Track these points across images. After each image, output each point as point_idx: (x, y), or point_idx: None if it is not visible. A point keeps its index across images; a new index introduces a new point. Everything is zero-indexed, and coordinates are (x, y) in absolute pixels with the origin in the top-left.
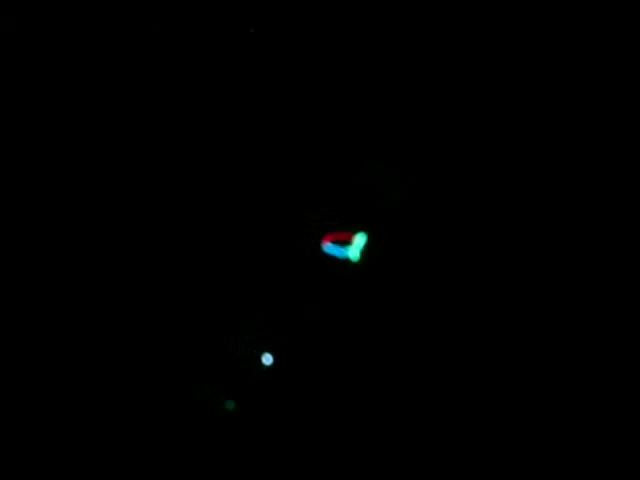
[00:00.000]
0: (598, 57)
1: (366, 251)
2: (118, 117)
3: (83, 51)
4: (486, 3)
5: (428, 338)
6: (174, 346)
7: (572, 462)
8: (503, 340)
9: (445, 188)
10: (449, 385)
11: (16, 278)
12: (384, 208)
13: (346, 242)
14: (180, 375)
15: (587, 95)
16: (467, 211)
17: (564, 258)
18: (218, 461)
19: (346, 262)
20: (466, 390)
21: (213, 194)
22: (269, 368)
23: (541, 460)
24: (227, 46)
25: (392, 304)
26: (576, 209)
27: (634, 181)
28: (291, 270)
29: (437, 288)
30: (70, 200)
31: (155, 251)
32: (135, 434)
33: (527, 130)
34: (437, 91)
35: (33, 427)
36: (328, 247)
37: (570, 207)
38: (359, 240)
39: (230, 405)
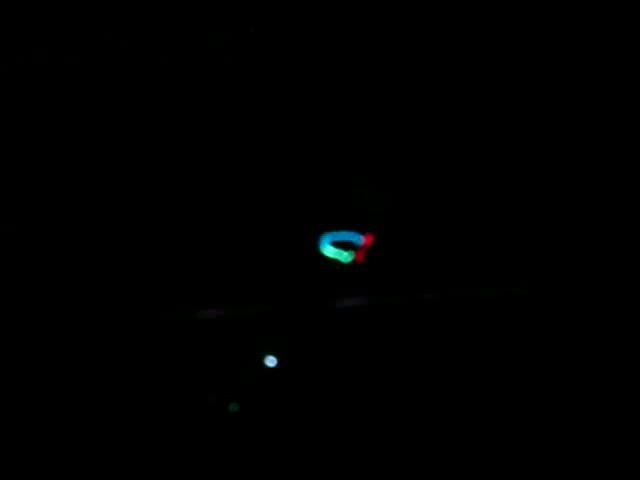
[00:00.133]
0: (598, 57)
1: (366, 252)
2: (118, 117)
3: (84, 51)
4: (485, 3)
5: (428, 338)
6: (175, 346)
7: (572, 462)
8: (504, 340)
9: (441, 191)
10: (449, 385)
11: (16, 278)
12: (379, 210)
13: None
14: (182, 376)
15: (587, 95)
16: (465, 212)
17: (564, 258)
18: (220, 461)
19: (346, 263)
20: (466, 390)
21: (213, 194)
22: (273, 370)
23: (541, 460)
24: (227, 46)
25: (392, 304)
26: (576, 209)
27: (634, 181)
28: (291, 270)
29: (437, 288)
30: (70, 200)
31: (155, 251)
32: (136, 434)
33: (524, 133)
34: (431, 95)
35: (33, 427)
36: (328, 248)
37: (570, 207)
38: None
39: (234, 407)
